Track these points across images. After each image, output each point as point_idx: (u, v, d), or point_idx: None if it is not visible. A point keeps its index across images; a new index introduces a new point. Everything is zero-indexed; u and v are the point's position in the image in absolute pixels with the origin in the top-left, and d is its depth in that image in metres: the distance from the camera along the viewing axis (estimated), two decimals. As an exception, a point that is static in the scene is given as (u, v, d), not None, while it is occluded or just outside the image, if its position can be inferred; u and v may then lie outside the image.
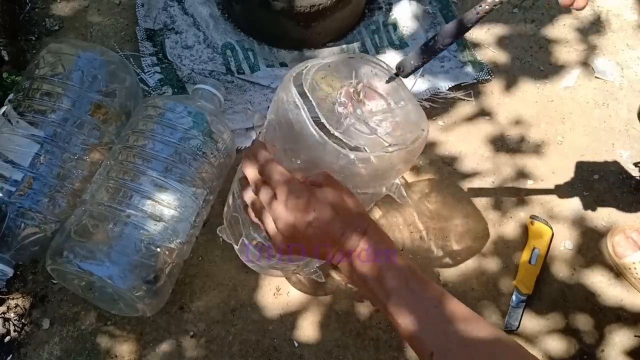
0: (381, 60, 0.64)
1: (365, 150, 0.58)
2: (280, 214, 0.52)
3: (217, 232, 0.77)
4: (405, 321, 0.49)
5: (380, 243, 0.53)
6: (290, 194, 0.51)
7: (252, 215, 0.58)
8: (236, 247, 0.73)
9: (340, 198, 0.53)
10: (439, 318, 0.49)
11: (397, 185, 0.70)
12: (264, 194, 0.54)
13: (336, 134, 0.55)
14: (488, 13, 0.54)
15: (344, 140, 0.56)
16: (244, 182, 0.59)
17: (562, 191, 0.98)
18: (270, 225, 0.54)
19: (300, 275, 0.85)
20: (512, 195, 0.97)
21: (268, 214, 0.54)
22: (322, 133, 0.54)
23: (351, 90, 0.61)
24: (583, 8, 0.51)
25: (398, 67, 0.60)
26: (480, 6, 0.54)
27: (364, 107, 0.62)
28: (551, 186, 0.98)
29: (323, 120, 0.55)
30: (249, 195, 0.58)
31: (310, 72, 0.59)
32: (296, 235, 0.52)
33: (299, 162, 0.58)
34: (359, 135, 0.60)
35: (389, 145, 0.58)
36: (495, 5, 0.53)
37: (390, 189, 0.70)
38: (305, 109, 0.54)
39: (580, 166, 1.00)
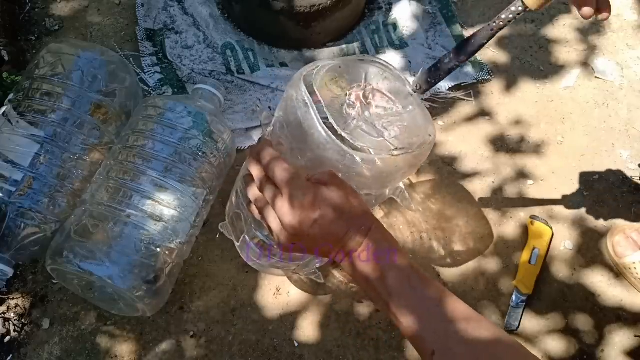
0: (391, 64, 0.65)
1: (371, 153, 0.58)
2: (285, 212, 0.52)
3: (219, 227, 0.77)
4: (407, 320, 0.50)
5: (383, 242, 0.53)
6: (295, 191, 0.51)
7: (256, 212, 0.58)
8: (237, 244, 0.74)
9: (345, 197, 0.53)
10: (440, 317, 0.49)
11: (401, 190, 0.70)
12: (269, 191, 0.54)
13: (343, 134, 0.56)
14: (502, 29, 0.54)
15: (351, 141, 0.56)
16: (249, 179, 0.59)
17: (562, 191, 0.98)
18: (275, 223, 0.54)
19: (300, 275, 0.86)
20: (512, 195, 0.97)
21: (272, 211, 0.54)
22: (329, 132, 0.54)
23: (360, 92, 0.62)
24: (607, 19, 0.51)
25: (415, 85, 0.61)
26: (495, 22, 0.54)
27: (372, 110, 0.63)
28: (551, 186, 0.98)
29: (331, 120, 0.55)
30: (253, 192, 0.58)
31: (321, 72, 0.60)
32: (300, 233, 0.52)
33: (304, 160, 0.58)
34: (366, 137, 0.60)
35: (395, 148, 0.58)
36: (509, 21, 0.53)
37: (395, 193, 0.70)
38: (315, 108, 0.55)
39: (580, 166, 1.00)
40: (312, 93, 0.57)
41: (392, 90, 0.64)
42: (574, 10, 1.17)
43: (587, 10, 0.50)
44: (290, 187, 0.52)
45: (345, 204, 0.52)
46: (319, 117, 0.55)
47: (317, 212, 0.51)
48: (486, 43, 0.56)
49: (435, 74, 0.59)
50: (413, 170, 0.65)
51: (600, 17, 0.51)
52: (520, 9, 0.52)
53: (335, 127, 0.55)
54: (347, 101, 0.62)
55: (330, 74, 0.62)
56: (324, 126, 0.55)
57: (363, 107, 0.62)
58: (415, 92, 0.62)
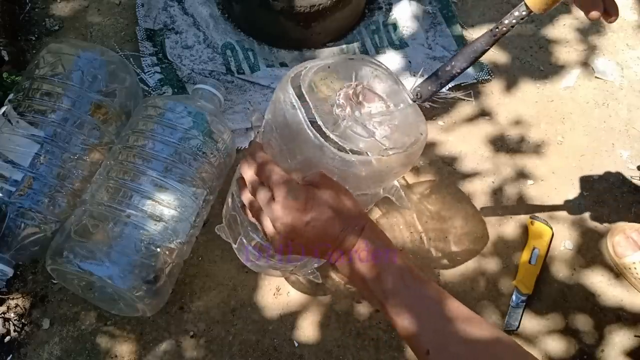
0: (382, 63, 0.64)
1: (362, 153, 0.58)
2: (278, 215, 0.52)
3: (216, 230, 0.77)
4: (402, 320, 0.50)
5: (377, 241, 0.53)
6: (287, 194, 0.51)
7: (250, 215, 0.58)
8: (234, 246, 0.73)
9: (337, 197, 0.53)
10: (435, 317, 0.49)
11: (396, 188, 0.70)
12: (262, 195, 0.54)
13: (332, 135, 0.55)
14: (504, 35, 0.54)
15: (340, 142, 0.56)
16: (242, 183, 0.59)
17: (562, 191, 0.98)
18: (269, 226, 0.54)
19: (299, 275, 0.86)
20: (512, 195, 0.97)
21: (266, 214, 0.54)
22: (318, 135, 0.54)
23: (350, 92, 0.61)
24: (614, 21, 0.52)
25: (416, 94, 0.60)
26: (498, 28, 0.53)
27: (362, 110, 0.62)
28: (551, 186, 0.98)
29: (319, 122, 0.55)
30: (246, 196, 0.58)
31: (309, 73, 0.59)
32: (294, 235, 0.52)
33: (295, 162, 0.58)
34: (356, 138, 0.60)
35: (386, 148, 0.58)
36: (512, 26, 0.53)
37: (389, 192, 0.69)
38: (302, 110, 0.54)
39: (580, 166, 1.00)
40: (300, 95, 0.56)
41: (382, 88, 0.63)
42: (574, 10, 1.17)
43: (595, 14, 0.51)
44: (282, 190, 0.52)
45: (337, 204, 0.52)
46: (307, 119, 0.54)
47: (309, 213, 0.51)
48: (489, 49, 0.55)
49: (437, 81, 0.58)
50: (406, 169, 0.64)
51: (608, 21, 0.51)
52: (524, 13, 0.52)
53: (324, 129, 0.55)
54: (337, 101, 0.61)
55: (319, 75, 0.61)
56: (312, 128, 0.54)
57: (353, 107, 0.61)
58: (415, 101, 0.61)
